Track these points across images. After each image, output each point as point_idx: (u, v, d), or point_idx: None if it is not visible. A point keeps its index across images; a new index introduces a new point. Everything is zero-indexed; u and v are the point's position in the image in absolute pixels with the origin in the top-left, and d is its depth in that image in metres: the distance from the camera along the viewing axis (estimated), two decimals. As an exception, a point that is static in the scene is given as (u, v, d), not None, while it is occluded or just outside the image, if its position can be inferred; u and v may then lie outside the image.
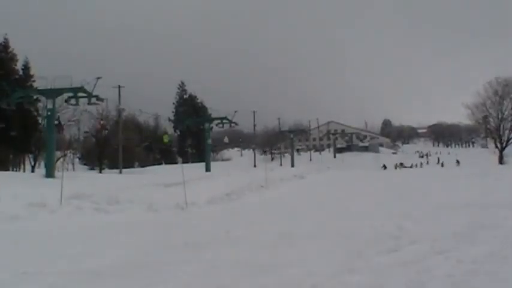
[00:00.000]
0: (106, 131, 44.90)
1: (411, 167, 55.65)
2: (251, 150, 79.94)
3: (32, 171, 43.92)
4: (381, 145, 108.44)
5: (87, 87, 27.65)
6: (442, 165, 55.17)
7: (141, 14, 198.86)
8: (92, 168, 55.82)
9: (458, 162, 55.44)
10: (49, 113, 28.26)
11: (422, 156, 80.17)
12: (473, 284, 5.07)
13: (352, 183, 24.25)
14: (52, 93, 27.39)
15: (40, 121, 43.18)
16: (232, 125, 47.12)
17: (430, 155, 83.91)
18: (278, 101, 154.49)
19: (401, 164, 52.95)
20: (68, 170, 52.45)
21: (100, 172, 47.30)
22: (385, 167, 51.89)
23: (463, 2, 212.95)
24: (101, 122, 44.09)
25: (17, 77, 42.93)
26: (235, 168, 45.81)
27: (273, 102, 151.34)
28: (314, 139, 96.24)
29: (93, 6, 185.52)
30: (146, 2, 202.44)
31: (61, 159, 45.39)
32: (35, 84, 37.89)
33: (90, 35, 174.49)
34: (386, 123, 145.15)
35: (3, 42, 43.71)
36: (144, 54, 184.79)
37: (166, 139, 47.82)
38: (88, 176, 29.99)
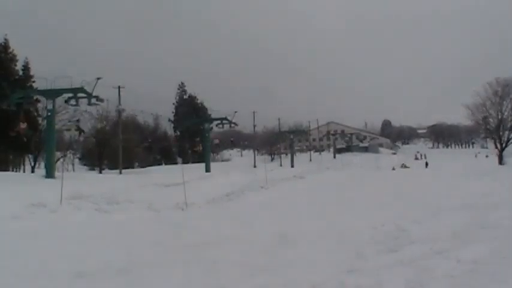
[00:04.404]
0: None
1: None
2: (251, 150, 79.93)
3: (32, 171, 43.85)
4: (381, 145, 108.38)
5: (87, 88, 27.60)
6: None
7: (142, 13, 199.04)
8: (92, 169, 55.76)
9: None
10: (49, 114, 28.23)
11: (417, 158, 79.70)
12: (473, 284, 5.07)
13: (351, 184, 24.24)
14: (52, 93, 27.35)
15: (40, 121, 43.16)
16: (232, 125, 47.09)
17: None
18: (278, 101, 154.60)
19: (403, 165, 52.98)
20: (68, 170, 52.45)
21: (100, 172, 47.28)
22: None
23: (463, 2, 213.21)
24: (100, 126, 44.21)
25: (16, 77, 42.89)
26: (235, 168, 45.78)
27: (273, 102, 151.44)
28: (314, 139, 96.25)
29: (93, 6, 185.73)
30: (146, 2, 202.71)
31: (61, 160, 45.37)
32: (35, 85, 37.87)
33: (90, 36, 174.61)
34: (386, 124, 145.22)
35: (3, 42, 43.67)
36: (144, 54, 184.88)
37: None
38: (88, 177, 29.97)
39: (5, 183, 18.41)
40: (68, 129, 31.88)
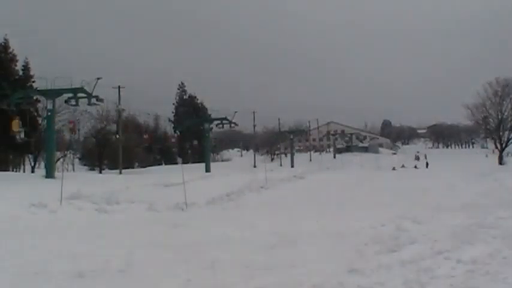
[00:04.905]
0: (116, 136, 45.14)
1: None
2: (251, 150, 79.97)
3: (32, 171, 43.89)
4: (381, 145, 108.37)
5: (87, 88, 27.61)
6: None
7: (142, 14, 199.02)
8: (92, 169, 55.78)
9: None
10: (49, 114, 28.24)
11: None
12: (473, 284, 5.08)
13: (351, 184, 24.23)
14: (52, 93, 27.35)
15: (40, 121, 43.17)
16: (232, 125, 47.11)
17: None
18: (278, 101, 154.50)
19: (402, 166, 53.15)
20: (68, 170, 52.45)
21: (100, 172, 47.29)
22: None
23: (464, 2, 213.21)
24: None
25: (17, 77, 42.91)
26: (235, 168, 45.80)
27: (273, 102, 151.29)
28: (314, 139, 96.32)
29: (93, 6, 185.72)
30: (146, 2, 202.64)
31: (61, 160, 45.39)
32: (35, 85, 37.91)
33: (90, 36, 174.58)
34: (386, 124, 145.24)
35: (3, 42, 43.69)
36: (144, 54, 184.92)
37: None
38: (88, 177, 29.97)
39: (5, 183, 18.42)
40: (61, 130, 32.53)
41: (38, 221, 11.57)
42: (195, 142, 53.78)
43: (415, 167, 50.40)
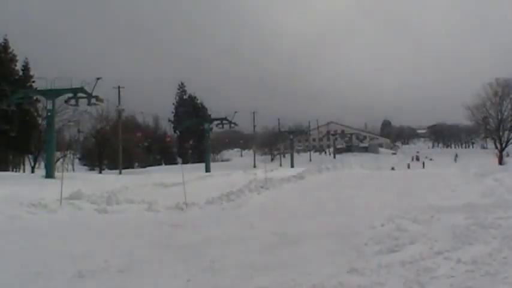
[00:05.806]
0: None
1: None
2: (251, 150, 79.97)
3: (32, 171, 43.93)
4: (381, 146, 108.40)
5: (87, 88, 27.61)
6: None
7: (142, 14, 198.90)
8: (92, 169, 55.86)
9: None
10: (49, 114, 28.23)
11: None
12: (473, 284, 5.08)
13: (351, 184, 24.19)
14: (52, 93, 27.34)
15: (40, 121, 43.19)
16: (232, 125, 47.14)
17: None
18: (278, 101, 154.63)
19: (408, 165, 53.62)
20: (67, 170, 52.48)
21: (100, 172, 47.32)
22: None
23: (463, 2, 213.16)
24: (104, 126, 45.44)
25: (16, 77, 42.96)
26: (235, 168, 45.78)
27: (273, 102, 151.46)
28: (314, 140, 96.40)
29: (92, 6, 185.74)
30: (146, 2, 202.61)
31: (61, 160, 45.44)
32: (35, 85, 37.97)
33: (90, 36, 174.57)
34: (386, 124, 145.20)
35: (3, 42, 43.73)
36: (144, 54, 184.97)
37: None
38: (88, 177, 29.96)
39: (4, 183, 18.41)
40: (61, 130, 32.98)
41: (38, 221, 11.57)
42: (191, 142, 54.15)
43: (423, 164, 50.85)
